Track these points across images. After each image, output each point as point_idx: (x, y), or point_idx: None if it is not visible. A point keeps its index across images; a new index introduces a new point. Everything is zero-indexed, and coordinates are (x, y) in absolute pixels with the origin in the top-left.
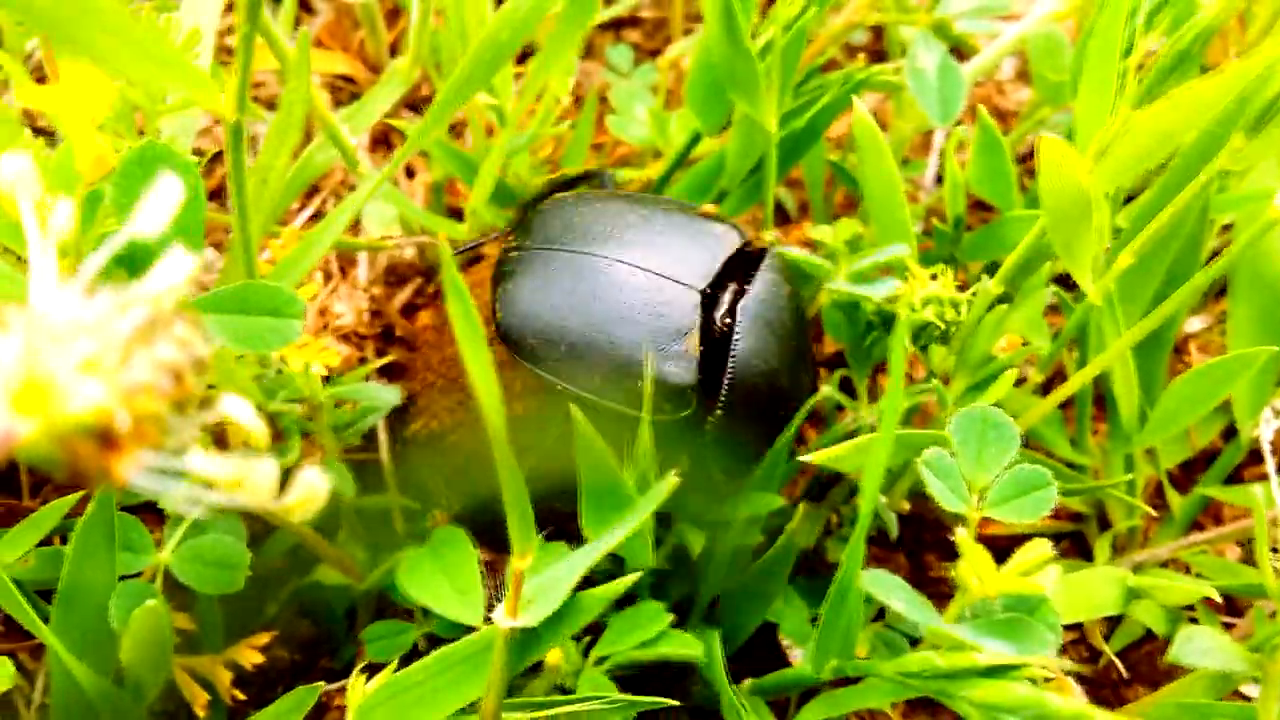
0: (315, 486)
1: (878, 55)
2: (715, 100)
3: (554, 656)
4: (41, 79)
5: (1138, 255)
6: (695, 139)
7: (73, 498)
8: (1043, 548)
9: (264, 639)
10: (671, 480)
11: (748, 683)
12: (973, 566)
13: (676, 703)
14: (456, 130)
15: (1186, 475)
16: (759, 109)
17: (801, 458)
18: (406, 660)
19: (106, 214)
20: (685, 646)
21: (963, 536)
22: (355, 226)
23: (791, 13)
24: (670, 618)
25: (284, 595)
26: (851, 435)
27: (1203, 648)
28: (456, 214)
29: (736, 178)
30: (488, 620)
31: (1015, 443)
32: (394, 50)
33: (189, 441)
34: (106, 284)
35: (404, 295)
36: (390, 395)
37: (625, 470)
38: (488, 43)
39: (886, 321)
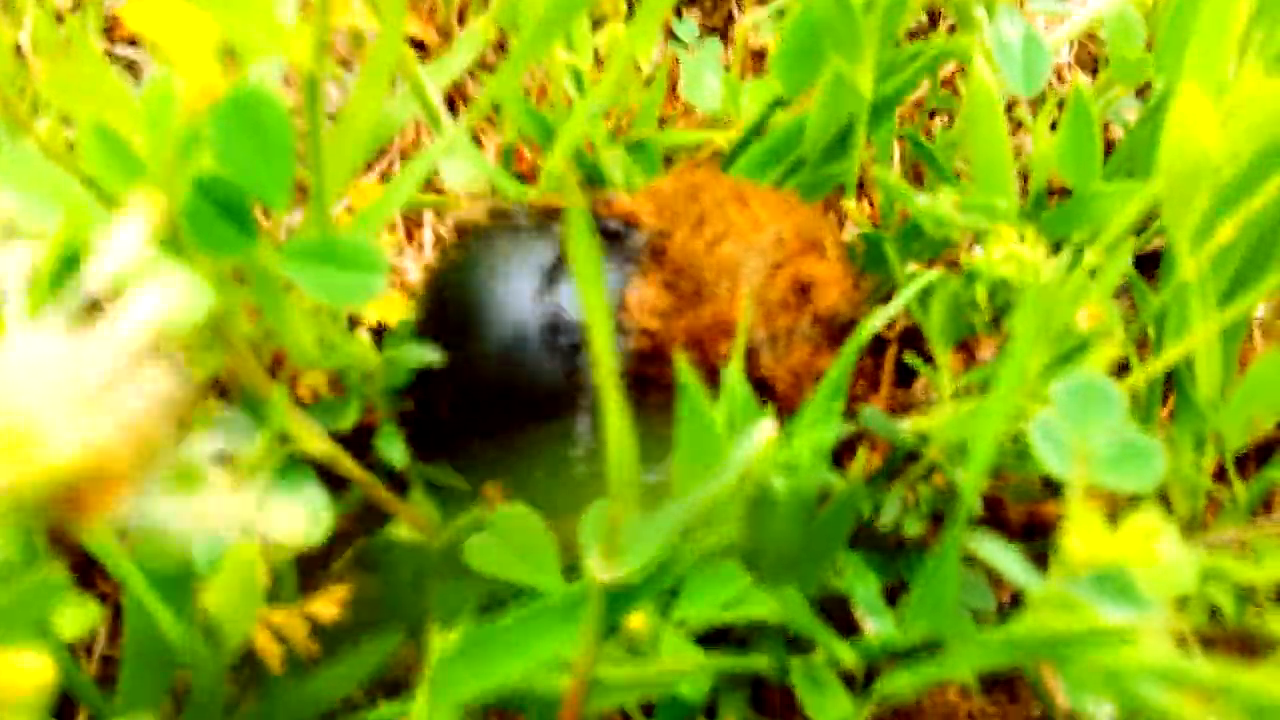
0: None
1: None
2: (806, 62)
3: (635, 619)
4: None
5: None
6: (772, 108)
7: None
8: (1157, 515)
9: (341, 591)
10: (768, 430)
11: (820, 653)
12: (1083, 532)
13: (770, 664)
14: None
15: (1242, 462)
16: (857, 70)
17: (867, 423)
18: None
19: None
20: (769, 606)
21: (1072, 502)
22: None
23: None
24: (750, 577)
25: (351, 552)
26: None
27: None
28: (522, 180)
29: (818, 145)
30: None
31: (1120, 411)
32: (461, 18)
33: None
34: None
35: None
36: (434, 355)
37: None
38: None
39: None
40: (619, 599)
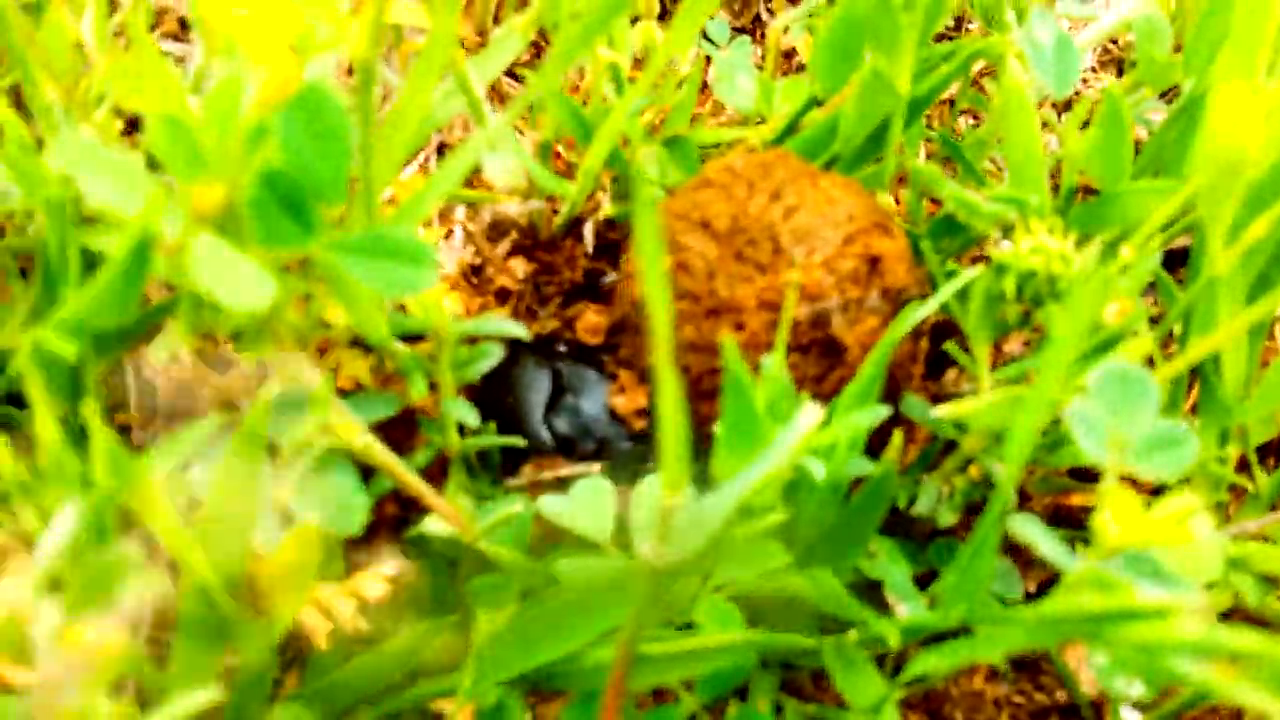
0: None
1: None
2: (844, 60)
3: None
4: None
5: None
6: (806, 107)
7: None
8: (1191, 499)
9: (393, 566)
10: (812, 414)
11: (853, 634)
12: (1120, 514)
13: (810, 642)
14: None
15: (1264, 454)
16: (896, 66)
17: (909, 411)
18: None
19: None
20: (805, 584)
21: (1108, 485)
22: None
23: None
24: (789, 555)
25: (391, 540)
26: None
27: None
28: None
29: (852, 142)
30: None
31: (1154, 400)
32: (497, 18)
33: None
34: None
35: (503, 248)
36: (518, 329)
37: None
38: None
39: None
40: (666, 579)
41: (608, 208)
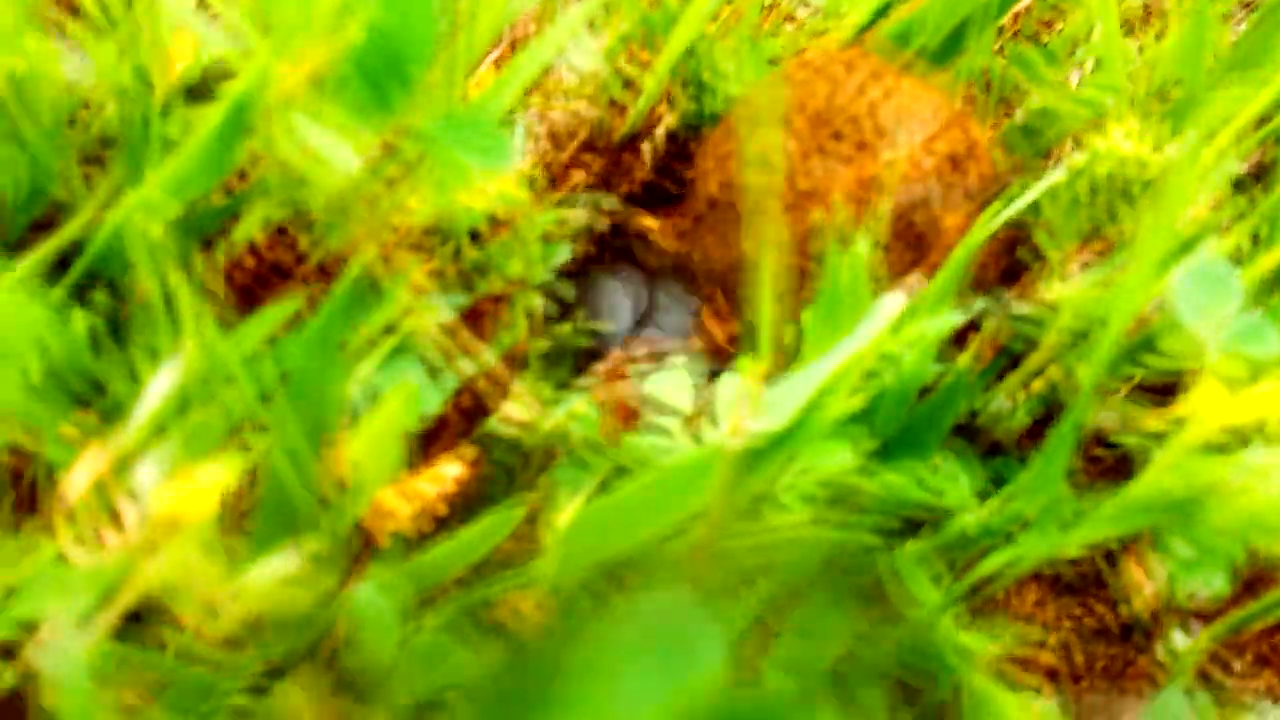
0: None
1: None
2: None
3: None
4: None
5: None
6: (884, 6)
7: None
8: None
9: (471, 453)
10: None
11: (917, 538)
12: (1209, 399)
13: (877, 541)
14: None
15: None
16: None
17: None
18: None
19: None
20: (877, 481)
21: (1206, 366)
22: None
23: None
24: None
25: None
26: None
27: None
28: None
29: (934, 40)
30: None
31: (1238, 296)
32: None
33: None
34: None
35: (571, 149)
36: (599, 219)
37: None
38: None
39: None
40: (747, 463)
41: (674, 114)
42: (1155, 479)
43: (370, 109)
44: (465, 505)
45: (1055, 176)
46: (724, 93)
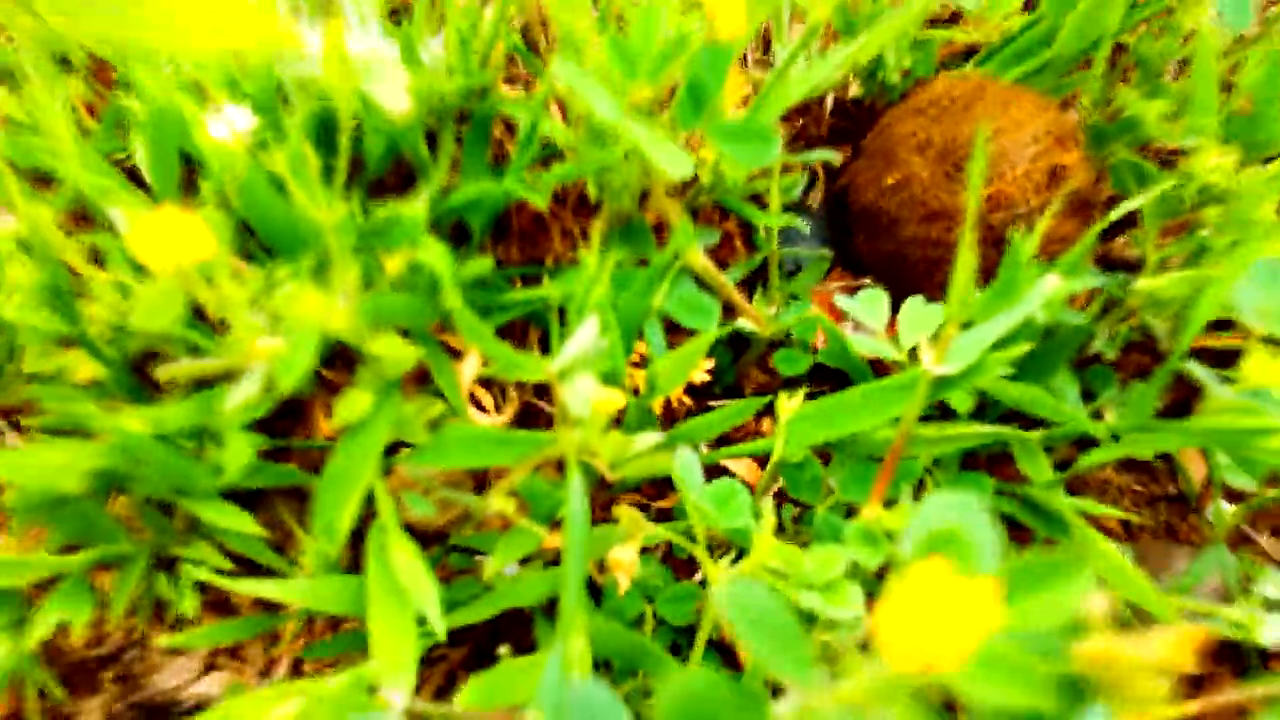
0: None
1: None
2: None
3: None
4: None
5: None
6: (1030, 24)
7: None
8: None
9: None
10: (1053, 281)
11: (1039, 433)
12: (1260, 370)
13: (1021, 434)
14: None
15: None
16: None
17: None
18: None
19: None
20: (1019, 389)
21: (1256, 339)
22: None
23: None
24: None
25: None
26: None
27: None
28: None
29: (1063, 56)
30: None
31: None
32: None
33: None
34: None
35: None
36: (834, 155)
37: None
38: None
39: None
40: (940, 384)
41: (855, 88)
42: (1212, 415)
43: (688, 118)
44: (710, 388)
45: (1151, 193)
46: (892, 77)
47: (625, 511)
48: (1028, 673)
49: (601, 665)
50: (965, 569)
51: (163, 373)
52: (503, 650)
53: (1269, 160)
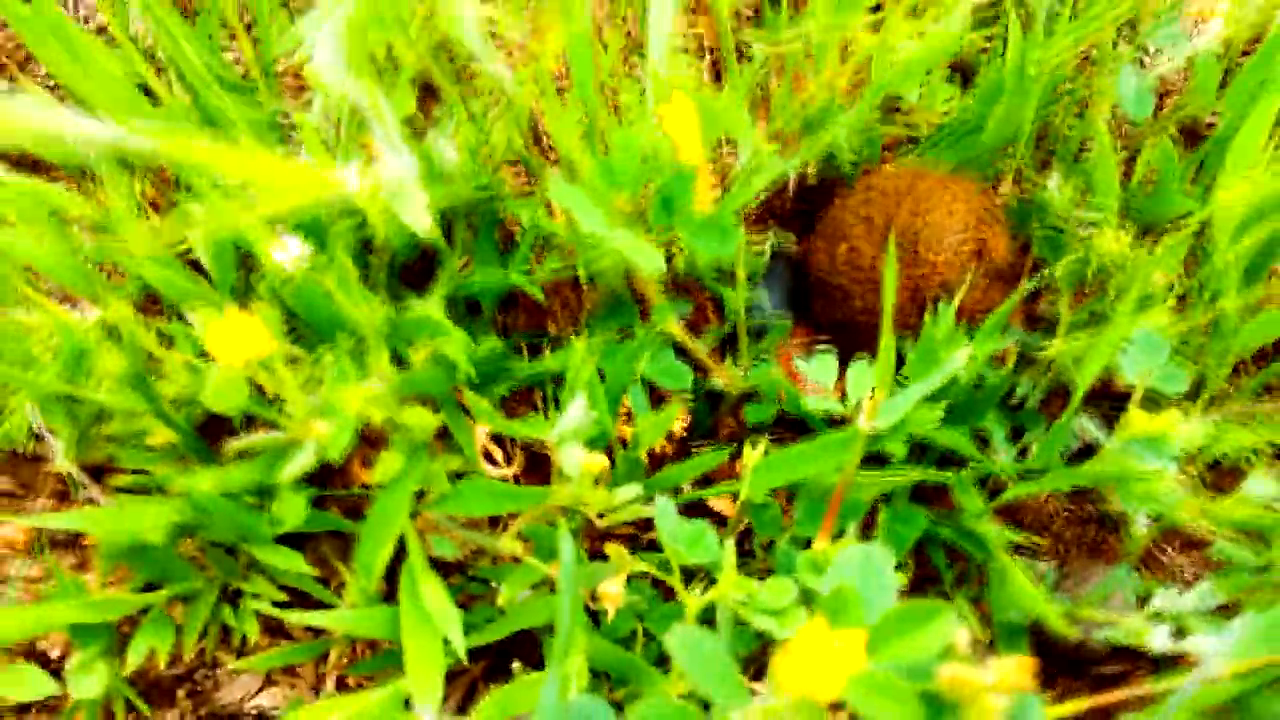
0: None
1: None
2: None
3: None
4: None
5: None
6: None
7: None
8: (1176, 415)
9: (683, 419)
10: (964, 353)
11: (966, 471)
12: (1140, 423)
13: (946, 475)
14: None
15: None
16: (1026, 105)
17: (1022, 347)
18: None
19: None
20: (950, 437)
21: (1135, 399)
22: None
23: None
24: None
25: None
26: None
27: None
28: None
29: (991, 144)
30: (843, 418)
31: (1165, 352)
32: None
33: None
34: None
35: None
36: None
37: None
38: None
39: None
40: (874, 438)
41: (814, 170)
42: (1104, 461)
43: (661, 219)
44: (690, 434)
45: (1061, 267)
46: (844, 163)
47: (613, 550)
48: (901, 692)
49: (601, 676)
50: (851, 619)
51: (236, 445)
52: (515, 666)
53: (1167, 229)
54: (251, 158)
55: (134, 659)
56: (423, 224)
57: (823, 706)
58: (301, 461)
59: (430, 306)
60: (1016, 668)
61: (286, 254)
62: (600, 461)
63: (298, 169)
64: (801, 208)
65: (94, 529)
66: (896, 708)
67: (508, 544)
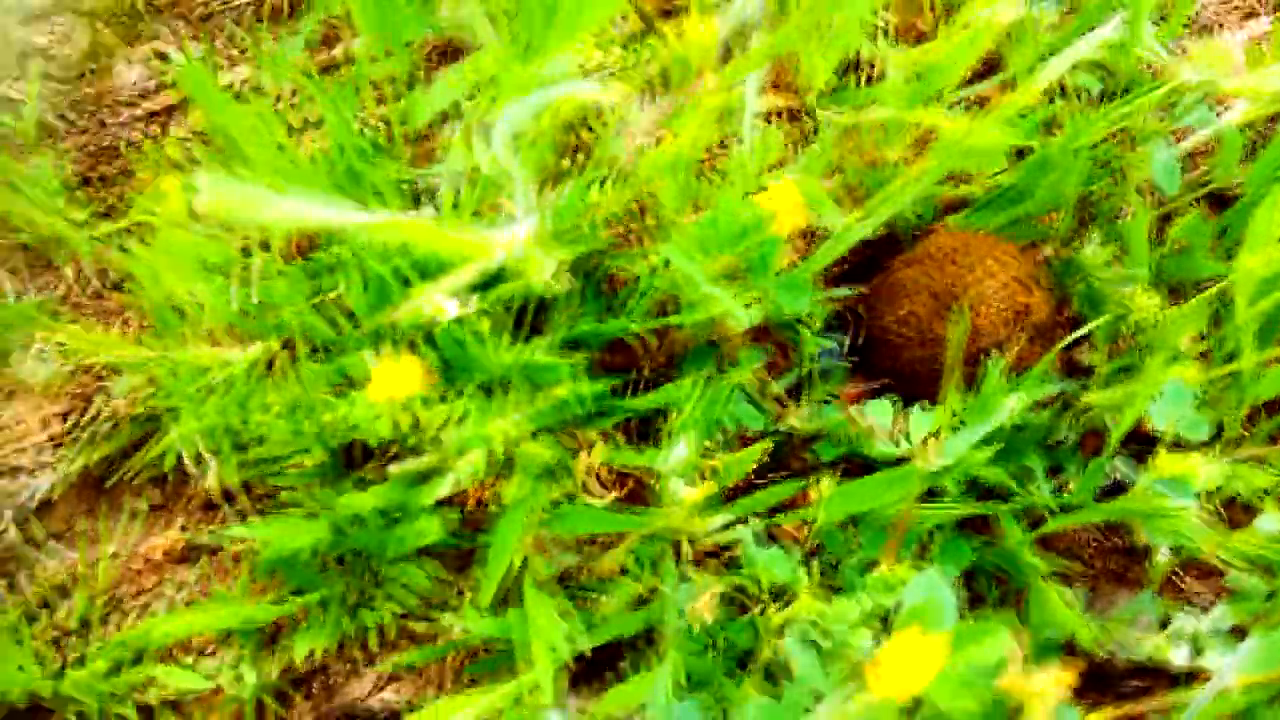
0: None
1: None
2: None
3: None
4: None
5: None
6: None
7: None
8: (1199, 460)
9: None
10: (1015, 401)
11: (1009, 505)
12: (1167, 465)
13: (987, 508)
14: None
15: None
16: (1070, 178)
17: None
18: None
19: None
20: (997, 473)
21: (1163, 444)
22: None
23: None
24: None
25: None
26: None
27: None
28: None
29: (1038, 209)
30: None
31: (1192, 401)
32: None
33: None
34: None
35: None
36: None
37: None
38: None
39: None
40: (934, 474)
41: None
42: (1134, 497)
43: (757, 278)
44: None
45: (1099, 320)
46: (904, 223)
47: (699, 576)
48: (977, 689)
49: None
50: (929, 628)
51: (392, 470)
52: (623, 666)
53: (1194, 290)
54: (441, 235)
55: (298, 657)
56: (549, 278)
57: (901, 706)
58: (446, 487)
59: (551, 351)
60: (1060, 679)
61: (443, 312)
62: (709, 488)
63: (473, 241)
64: (859, 258)
65: (265, 540)
66: (971, 703)
67: (611, 560)
